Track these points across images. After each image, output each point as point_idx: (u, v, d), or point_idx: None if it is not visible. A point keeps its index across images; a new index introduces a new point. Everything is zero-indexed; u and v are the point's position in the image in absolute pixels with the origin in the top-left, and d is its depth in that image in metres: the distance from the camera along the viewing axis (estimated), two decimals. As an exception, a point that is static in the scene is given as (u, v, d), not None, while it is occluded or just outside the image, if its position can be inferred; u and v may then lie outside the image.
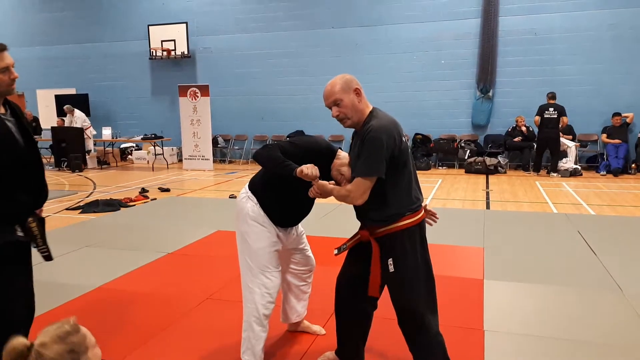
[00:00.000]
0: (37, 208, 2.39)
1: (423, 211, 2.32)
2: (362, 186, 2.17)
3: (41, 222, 2.42)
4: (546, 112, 9.94)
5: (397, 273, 2.24)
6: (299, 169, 2.27)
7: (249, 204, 2.56)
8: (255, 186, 2.60)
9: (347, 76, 2.26)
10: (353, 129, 2.36)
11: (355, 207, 2.34)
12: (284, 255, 2.76)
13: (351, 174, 2.30)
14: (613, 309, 3.42)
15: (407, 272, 2.23)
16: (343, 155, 2.52)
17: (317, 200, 2.70)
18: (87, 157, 12.17)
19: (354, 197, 2.19)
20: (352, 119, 2.26)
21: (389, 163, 2.16)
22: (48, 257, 2.42)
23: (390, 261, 2.24)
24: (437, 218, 2.53)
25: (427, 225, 2.43)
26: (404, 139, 2.23)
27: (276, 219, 2.57)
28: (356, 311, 2.52)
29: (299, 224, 2.78)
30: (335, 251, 2.50)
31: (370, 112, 2.27)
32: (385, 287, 2.38)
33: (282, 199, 2.54)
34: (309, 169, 2.26)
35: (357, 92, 2.25)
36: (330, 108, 2.28)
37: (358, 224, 2.41)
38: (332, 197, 2.31)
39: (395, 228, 2.22)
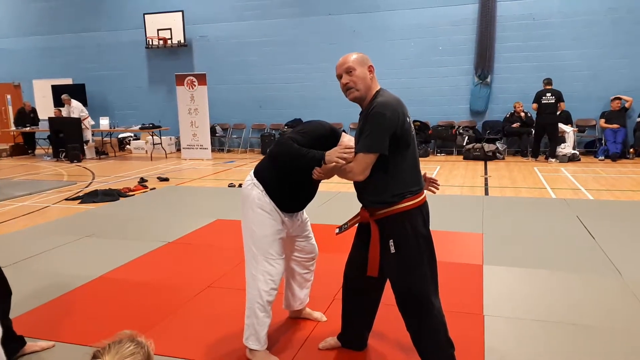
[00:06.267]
0: None
1: (424, 194, 2.32)
2: (364, 162, 2.16)
3: None
4: (543, 97, 9.92)
5: (399, 254, 2.24)
6: (327, 157, 2.26)
7: (255, 191, 2.55)
8: (261, 173, 2.60)
9: (363, 54, 2.31)
10: (359, 114, 2.35)
11: (357, 188, 2.34)
12: (288, 242, 2.76)
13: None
14: (612, 293, 3.44)
15: (409, 254, 2.23)
16: (347, 139, 2.51)
17: (318, 188, 2.72)
18: (85, 147, 12.13)
19: (355, 172, 2.19)
20: (360, 92, 2.25)
21: (392, 142, 2.15)
22: None
23: (391, 242, 2.24)
24: (439, 185, 2.55)
25: (429, 193, 2.45)
26: (407, 119, 2.22)
27: (283, 204, 2.57)
28: (363, 298, 2.54)
29: (304, 211, 2.79)
30: (337, 230, 2.50)
31: (377, 91, 2.28)
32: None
33: (289, 185, 2.54)
34: (342, 153, 2.23)
35: (371, 69, 2.28)
36: (341, 77, 2.28)
37: (359, 210, 2.41)
38: (331, 186, 2.31)
39: (395, 210, 2.21)
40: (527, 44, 11.03)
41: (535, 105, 10.06)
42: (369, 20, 11.88)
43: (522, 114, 10.77)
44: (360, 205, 2.39)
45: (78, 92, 13.50)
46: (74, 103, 12.29)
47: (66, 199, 7.16)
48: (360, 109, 2.34)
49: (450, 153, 11.65)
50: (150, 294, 3.61)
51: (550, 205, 6.17)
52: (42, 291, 3.67)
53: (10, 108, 14.55)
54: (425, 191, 2.37)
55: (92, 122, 12.69)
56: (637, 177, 8.17)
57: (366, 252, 2.33)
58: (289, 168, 2.49)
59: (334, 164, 2.24)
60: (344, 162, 2.21)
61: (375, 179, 2.21)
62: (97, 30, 14.03)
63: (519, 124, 10.81)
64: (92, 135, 12.85)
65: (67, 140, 11.68)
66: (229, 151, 13.29)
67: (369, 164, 2.17)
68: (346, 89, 2.28)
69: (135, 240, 4.97)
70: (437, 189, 2.55)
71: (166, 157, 12.42)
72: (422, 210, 2.27)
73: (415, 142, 2.28)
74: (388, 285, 2.40)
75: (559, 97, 9.86)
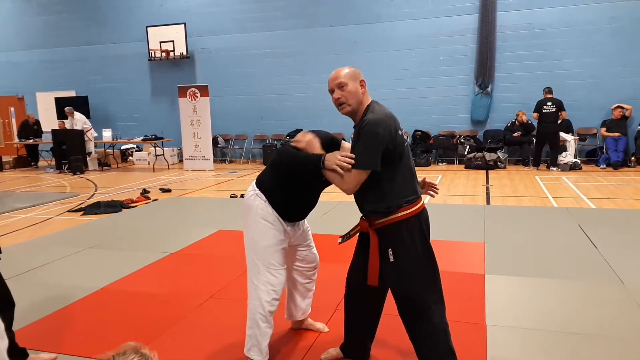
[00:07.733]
0: None
1: (422, 202, 2.34)
2: (355, 178, 2.21)
3: None
4: (544, 106, 9.95)
5: (397, 263, 2.26)
6: (327, 162, 2.26)
7: (257, 201, 2.57)
8: (263, 183, 2.61)
9: (355, 68, 2.34)
10: (352, 128, 2.37)
11: (355, 199, 2.38)
12: (290, 252, 2.77)
13: None
14: (614, 302, 3.44)
15: (407, 262, 2.25)
16: (347, 147, 2.54)
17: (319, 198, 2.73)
18: (87, 159, 12.20)
19: (347, 188, 2.24)
20: (352, 106, 2.29)
21: (385, 155, 2.18)
22: None
23: (390, 251, 2.26)
24: (437, 189, 2.58)
25: (429, 197, 2.46)
26: (400, 132, 2.25)
27: (285, 214, 2.58)
28: (365, 307, 2.54)
29: (305, 220, 2.80)
30: (340, 239, 2.52)
31: (368, 105, 2.31)
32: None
33: (291, 194, 2.56)
34: (341, 161, 2.23)
35: (362, 84, 2.32)
36: (333, 91, 2.31)
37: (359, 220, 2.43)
38: (332, 197, 2.33)
39: (393, 219, 2.24)
40: (527, 54, 11.08)
41: (536, 115, 10.08)
42: (370, 31, 11.96)
43: (524, 118, 10.74)
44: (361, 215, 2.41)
45: (81, 104, 13.61)
46: (77, 115, 12.36)
47: (69, 211, 7.18)
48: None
49: (451, 162, 11.67)
50: (153, 305, 3.61)
51: (552, 213, 6.17)
52: (45, 303, 3.68)
53: (13, 120, 14.63)
54: (424, 200, 2.39)
55: (95, 134, 12.76)
56: (638, 185, 8.17)
57: (367, 261, 2.35)
58: (290, 174, 2.52)
59: (332, 168, 2.26)
60: (342, 170, 2.24)
61: (372, 189, 2.24)
62: (100, 42, 14.15)
63: (520, 132, 10.82)
64: (95, 147, 12.91)
65: (70, 152, 11.74)
66: (231, 162, 13.32)
67: (359, 181, 2.21)
68: (338, 104, 2.32)
69: (138, 251, 4.99)
70: (436, 193, 2.59)
71: (168, 168, 12.46)
72: (420, 218, 2.29)
73: (409, 152, 2.31)
74: (390, 295, 2.41)
75: (559, 106, 9.88)
